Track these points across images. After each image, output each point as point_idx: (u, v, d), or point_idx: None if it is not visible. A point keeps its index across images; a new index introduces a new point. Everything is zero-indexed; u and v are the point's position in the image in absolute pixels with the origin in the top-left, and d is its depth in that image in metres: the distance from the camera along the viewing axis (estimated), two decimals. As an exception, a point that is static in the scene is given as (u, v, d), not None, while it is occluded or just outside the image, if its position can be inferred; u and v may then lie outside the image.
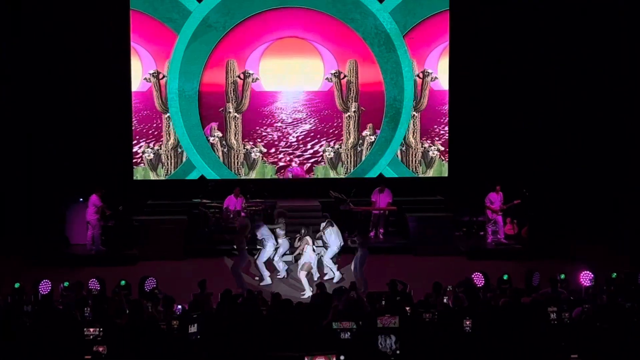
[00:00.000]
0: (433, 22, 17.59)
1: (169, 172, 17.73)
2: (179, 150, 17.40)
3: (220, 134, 17.42)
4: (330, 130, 17.65)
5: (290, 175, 17.72)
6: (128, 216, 19.19)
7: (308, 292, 15.41)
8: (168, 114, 17.53)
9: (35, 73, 19.64)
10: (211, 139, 17.59)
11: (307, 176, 17.64)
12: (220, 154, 17.47)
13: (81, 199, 19.18)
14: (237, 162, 17.67)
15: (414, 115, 17.86)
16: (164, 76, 17.42)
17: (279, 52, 17.43)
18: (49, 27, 19.23)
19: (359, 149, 17.67)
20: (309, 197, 20.48)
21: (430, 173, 18.24)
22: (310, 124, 17.49)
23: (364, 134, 17.76)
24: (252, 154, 17.66)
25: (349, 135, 17.86)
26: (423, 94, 18.14)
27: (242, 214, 19.24)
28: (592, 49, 20.31)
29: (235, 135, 17.60)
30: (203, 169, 17.41)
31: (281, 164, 17.39)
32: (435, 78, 17.99)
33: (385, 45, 17.26)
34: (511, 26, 20.28)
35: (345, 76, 17.56)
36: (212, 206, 19.45)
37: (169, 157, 17.78)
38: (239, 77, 17.35)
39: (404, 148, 17.90)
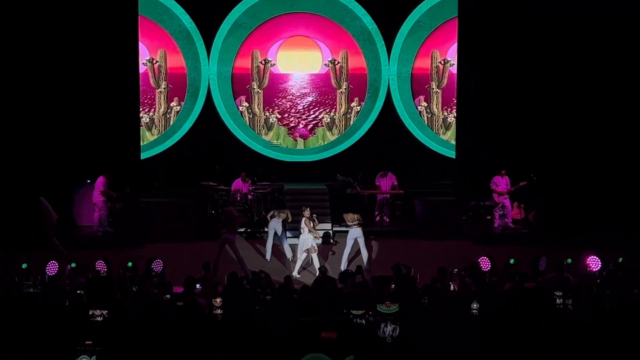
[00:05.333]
0: (453, 23, 21.48)
1: (160, 132, 21.41)
2: (168, 116, 21.43)
3: (247, 104, 21.67)
4: (327, 102, 21.96)
5: (298, 135, 21.78)
6: (135, 198, 19.20)
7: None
8: (159, 89, 21.39)
9: (47, 56, 19.68)
10: (240, 108, 21.61)
11: (311, 135, 21.86)
12: (247, 119, 21.71)
13: (88, 181, 19.21)
14: (259, 125, 21.75)
15: (437, 91, 21.93)
16: (156, 61, 21.30)
17: (290, 46, 21.73)
18: (63, 16, 19.70)
19: (348, 116, 21.90)
20: (316, 180, 20.63)
21: (448, 135, 21.86)
22: (313, 97, 21.93)
23: (352, 105, 21.87)
24: (270, 119, 21.78)
25: (341, 105, 21.87)
26: (444, 75, 21.84)
27: (250, 197, 19.30)
28: (606, 30, 20.21)
29: (258, 105, 21.73)
30: (234, 130, 21.57)
31: (291, 125, 21.99)
32: (453, 64, 21.70)
33: (368, 41, 21.61)
34: (519, 15, 20.44)
35: (338, 62, 21.72)
36: (219, 189, 19.50)
37: (160, 121, 21.43)
38: (260, 62, 21.62)
39: (429, 116, 21.92)
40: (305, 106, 21.84)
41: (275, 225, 16.98)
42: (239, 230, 17.21)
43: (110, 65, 19.99)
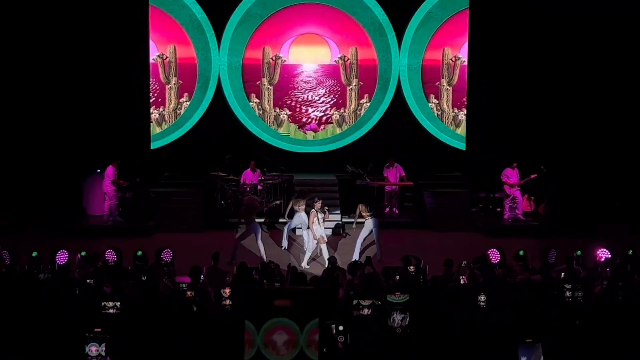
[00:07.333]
0: (464, 14, 21.36)
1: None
2: (178, 111, 21.38)
3: (257, 101, 21.56)
4: (337, 99, 21.90)
5: (307, 129, 21.72)
6: (145, 188, 19.24)
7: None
8: (170, 85, 21.35)
9: (57, 45, 19.75)
10: (250, 103, 21.57)
11: (320, 129, 21.85)
12: (257, 114, 21.69)
13: (98, 170, 19.26)
14: (269, 121, 21.72)
15: (447, 88, 21.82)
16: (166, 57, 21.20)
17: (301, 43, 21.70)
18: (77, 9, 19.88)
19: (358, 112, 21.83)
20: (325, 171, 20.62)
21: (459, 131, 21.75)
22: (323, 93, 21.88)
23: (361, 101, 21.80)
24: (281, 116, 21.71)
25: (351, 102, 21.82)
26: (454, 72, 21.73)
27: (259, 187, 19.29)
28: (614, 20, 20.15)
29: (268, 102, 21.67)
30: (244, 121, 21.51)
31: (298, 114, 21.95)
32: (464, 61, 21.55)
33: (378, 32, 21.54)
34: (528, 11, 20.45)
35: (348, 59, 21.64)
36: (228, 179, 19.51)
37: (170, 117, 21.37)
38: (271, 59, 21.54)
39: (440, 112, 21.83)
40: (315, 102, 21.77)
41: (295, 215, 16.94)
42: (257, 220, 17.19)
43: (122, 54, 20.08)
